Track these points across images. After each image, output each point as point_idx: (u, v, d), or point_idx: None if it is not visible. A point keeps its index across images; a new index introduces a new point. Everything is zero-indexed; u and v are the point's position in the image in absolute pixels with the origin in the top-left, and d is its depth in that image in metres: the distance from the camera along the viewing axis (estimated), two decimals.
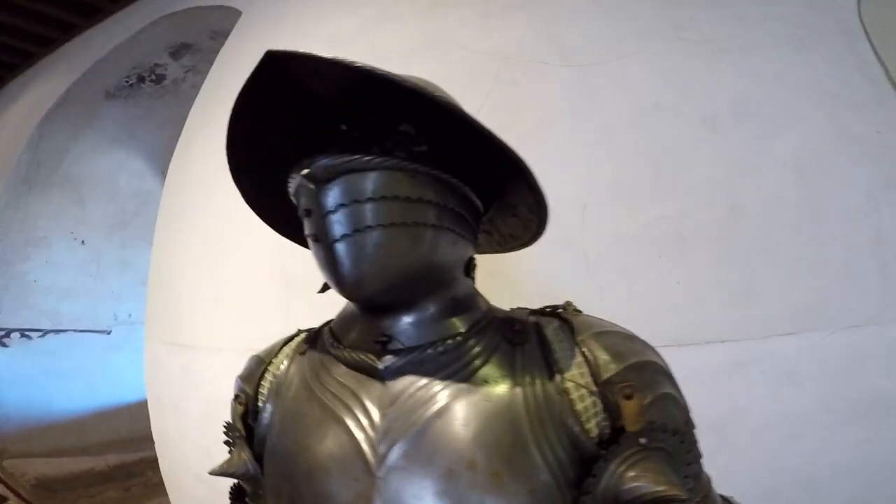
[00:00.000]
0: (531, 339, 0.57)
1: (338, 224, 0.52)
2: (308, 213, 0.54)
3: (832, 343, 1.21)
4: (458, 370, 0.55)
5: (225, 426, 0.71)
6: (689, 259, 1.27)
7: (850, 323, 1.22)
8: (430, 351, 0.56)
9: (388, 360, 0.56)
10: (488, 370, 0.55)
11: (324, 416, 0.57)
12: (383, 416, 0.54)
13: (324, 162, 0.52)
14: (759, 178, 1.30)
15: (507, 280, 1.29)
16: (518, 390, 0.53)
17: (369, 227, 0.52)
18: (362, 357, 0.57)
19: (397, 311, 0.58)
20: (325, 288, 0.64)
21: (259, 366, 0.71)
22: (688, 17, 1.45)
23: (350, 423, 0.55)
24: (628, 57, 1.43)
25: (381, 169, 0.53)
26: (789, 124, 1.33)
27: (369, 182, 0.53)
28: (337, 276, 0.53)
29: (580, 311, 0.63)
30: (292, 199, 0.60)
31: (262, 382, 0.69)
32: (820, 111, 1.34)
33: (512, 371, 0.55)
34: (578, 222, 1.32)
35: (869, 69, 1.40)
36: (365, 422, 0.54)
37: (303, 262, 1.41)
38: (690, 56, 1.41)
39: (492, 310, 0.64)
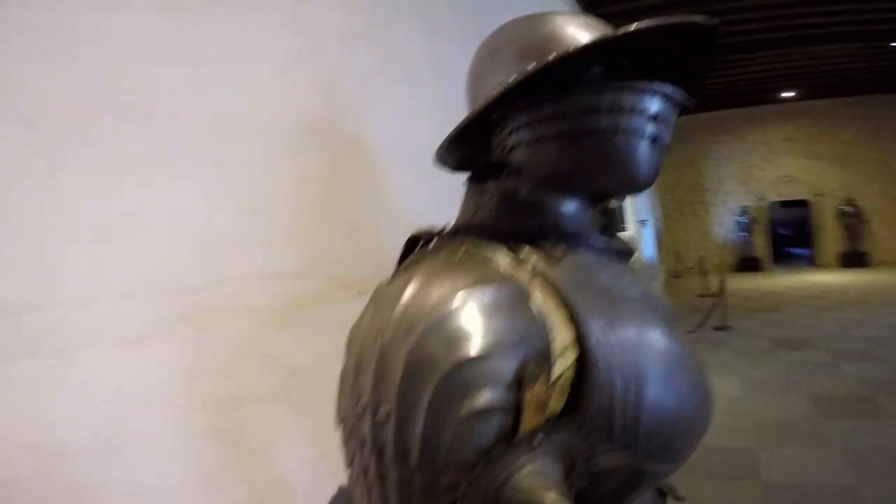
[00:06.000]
0: None
1: (668, 136, 0.68)
2: (656, 118, 0.65)
3: None
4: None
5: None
6: None
7: None
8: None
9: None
10: None
11: (640, 307, 0.64)
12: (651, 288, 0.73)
13: (673, 90, 0.65)
14: None
15: None
16: None
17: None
18: (626, 243, 0.74)
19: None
20: None
21: (526, 299, 0.54)
22: None
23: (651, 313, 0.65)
24: None
25: None
26: None
27: None
28: (645, 170, 0.66)
29: None
30: (604, 103, 0.64)
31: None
32: None
33: None
34: None
35: None
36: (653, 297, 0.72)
37: None
38: None
39: None
